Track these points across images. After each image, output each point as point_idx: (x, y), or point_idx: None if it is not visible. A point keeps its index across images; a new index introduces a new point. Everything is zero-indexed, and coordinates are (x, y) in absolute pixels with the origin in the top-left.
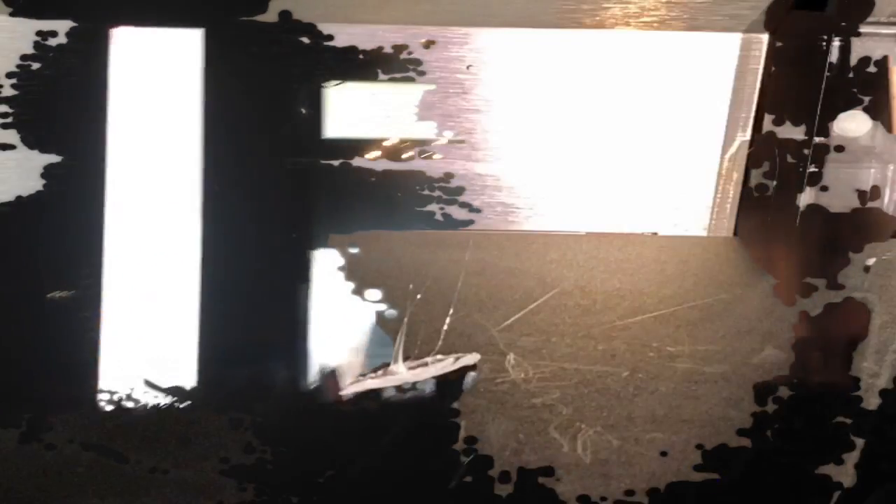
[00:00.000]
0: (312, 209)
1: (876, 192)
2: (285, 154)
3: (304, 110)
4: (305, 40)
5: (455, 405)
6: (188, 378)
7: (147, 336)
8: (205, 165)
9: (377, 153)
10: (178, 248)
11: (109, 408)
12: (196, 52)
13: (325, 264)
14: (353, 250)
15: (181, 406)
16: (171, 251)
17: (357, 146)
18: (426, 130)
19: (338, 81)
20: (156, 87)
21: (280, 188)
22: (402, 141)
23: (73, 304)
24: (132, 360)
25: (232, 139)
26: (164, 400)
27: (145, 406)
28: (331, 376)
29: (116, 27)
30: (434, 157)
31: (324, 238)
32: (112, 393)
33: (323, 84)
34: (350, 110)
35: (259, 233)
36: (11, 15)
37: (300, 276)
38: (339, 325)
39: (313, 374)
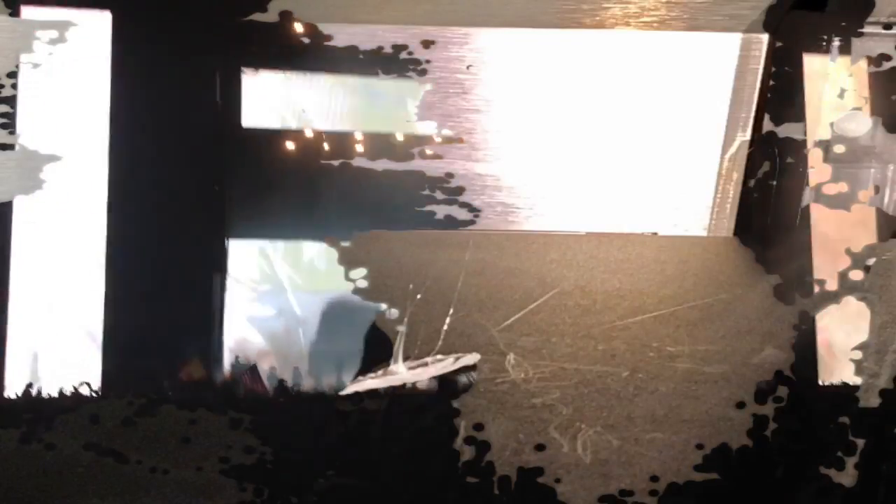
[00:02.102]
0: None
1: (876, 192)
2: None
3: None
4: (305, 40)
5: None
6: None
7: (52, 334)
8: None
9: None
10: (84, 244)
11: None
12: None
13: (240, 254)
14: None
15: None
16: (77, 247)
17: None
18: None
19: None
20: (62, 78)
21: (193, 179)
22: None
23: None
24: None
25: (141, 130)
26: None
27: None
28: (247, 370)
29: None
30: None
31: (239, 228)
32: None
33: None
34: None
35: (171, 223)
36: (11, 15)
37: (214, 266)
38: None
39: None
